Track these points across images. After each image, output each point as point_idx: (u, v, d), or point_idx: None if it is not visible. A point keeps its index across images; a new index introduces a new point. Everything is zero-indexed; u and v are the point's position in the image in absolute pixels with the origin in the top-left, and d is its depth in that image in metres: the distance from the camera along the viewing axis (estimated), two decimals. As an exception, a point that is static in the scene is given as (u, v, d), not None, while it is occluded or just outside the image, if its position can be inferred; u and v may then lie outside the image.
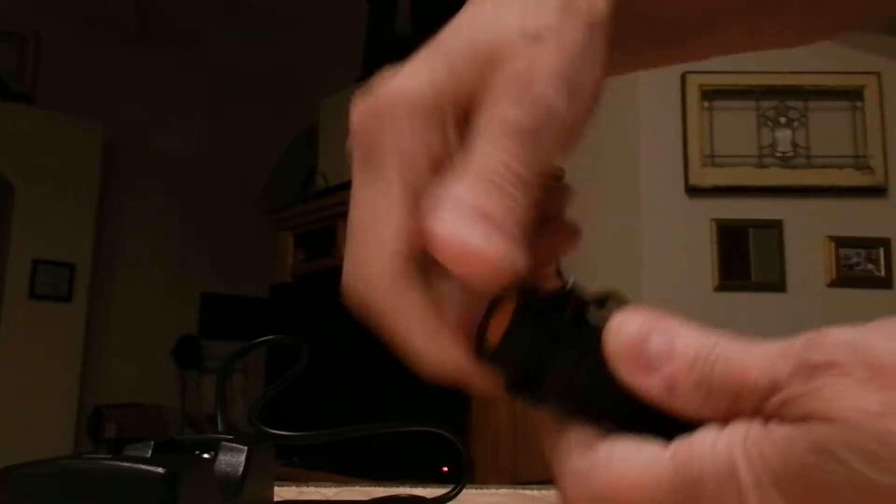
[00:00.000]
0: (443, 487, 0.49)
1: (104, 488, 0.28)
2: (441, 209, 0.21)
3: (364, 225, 0.24)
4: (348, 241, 0.25)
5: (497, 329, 0.22)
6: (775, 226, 2.26)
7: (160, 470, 0.28)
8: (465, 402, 2.20)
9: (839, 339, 0.17)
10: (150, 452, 0.33)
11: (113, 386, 4.10)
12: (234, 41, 4.60)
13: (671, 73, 2.32)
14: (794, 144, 2.30)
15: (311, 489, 0.57)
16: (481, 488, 0.63)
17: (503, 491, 0.62)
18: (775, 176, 2.28)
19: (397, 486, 0.58)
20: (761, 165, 2.29)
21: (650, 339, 0.20)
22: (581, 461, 0.21)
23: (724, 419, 0.19)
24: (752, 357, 0.19)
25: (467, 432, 2.17)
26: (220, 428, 0.44)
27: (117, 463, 0.29)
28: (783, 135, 2.31)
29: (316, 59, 4.30)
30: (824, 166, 2.27)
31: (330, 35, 4.03)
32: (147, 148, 4.38)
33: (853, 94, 2.30)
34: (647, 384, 0.20)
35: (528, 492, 0.62)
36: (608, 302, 0.22)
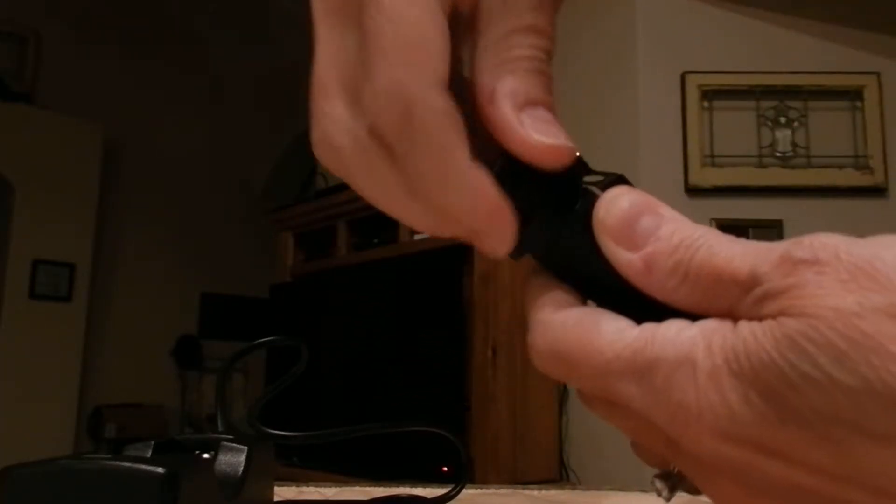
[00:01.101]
0: (443, 487, 0.49)
1: (104, 488, 0.28)
2: (525, 116, 0.21)
3: (404, 36, 0.20)
4: (375, 54, 0.20)
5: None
6: (775, 226, 2.25)
7: (160, 470, 0.28)
8: (465, 402, 2.20)
9: (825, 240, 0.17)
10: (150, 452, 0.33)
11: (113, 386, 4.10)
12: (233, 41, 4.60)
13: (671, 73, 2.32)
14: (794, 144, 2.30)
15: (311, 489, 0.57)
16: (481, 488, 0.63)
17: (503, 491, 0.62)
18: (775, 176, 2.28)
19: (397, 486, 0.58)
20: (761, 165, 2.29)
21: (640, 218, 0.20)
22: (552, 315, 0.21)
23: (699, 310, 0.19)
24: (736, 249, 0.19)
25: (467, 432, 2.17)
26: (220, 428, 0.44)
27: (117, 463, 0.29)
28: (783, 135, 2.31)
29: (316, 59, 4.29)
30: (824, 166, 2.27)
31: (330, 35, 4.03)
32: (147, 148, 4.38)
33: (853, 94, 2.30)
34: (627, 259, 0.20)
35: (528, 492, 0.62)
36: (611, 179, 0.22)
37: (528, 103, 0.21)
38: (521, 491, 0.63)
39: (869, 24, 2.34)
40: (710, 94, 2.31)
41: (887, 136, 2.27)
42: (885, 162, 2.26)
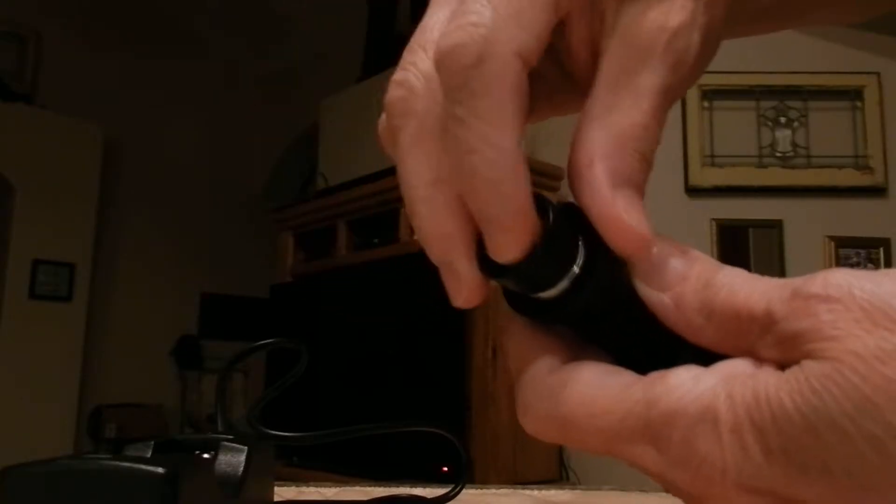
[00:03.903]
0: (443, 487, 0.49)
1: (104, 488, 0.28)
2: (619, 194, 0.21)
3: (475, 151, 0.20)
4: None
5: None
6: (775, 226, 2.26)
7: (160, 470, 0.28)
8: (465, 402, 2.20)
9: (839, 276, 0.17)
10: (150, 452, 0.33)
11: (113, 386, 4.10)
12: (234, 41, 4.60)
13: (671, 73, 2.32)
14: (794, 144, 2.30)
15: (311, 489, 0.57)
16: (481, 488, 0.63)
17: (503, 491, 0.62)
18: (775, 176, 2.28)
19: (397, 486, 0.58)
20: (761, 165, 2.29)
21: (671, 259, 0.20)
22: (549, 375, 0.20)
23: (724, 349, 0.19)
24: (757, 286, 0.19)
25: (467, 432, 2.17)
26: (220, 428, 0.44)
27: (117, 463, 0.29)
28: (783, 135, 2.31)
29: (316, 60, 4.30)
30: (824, 166, 2.27)
31: (330, 35, 4.03)
32: (147, 148, 4.38)
33: (853, 94, 2.30)
34: (658, 298, 0.20)
35: (528, 492, 0.62)
36: None
37: (625, 183, 0.21)
38: (521, 491, 0.63)
39: (869, 24, 2.34)
40: (710, 94, 2.31)
41: (887, 136, 2.27)
42: (885, 162, 2.26)
